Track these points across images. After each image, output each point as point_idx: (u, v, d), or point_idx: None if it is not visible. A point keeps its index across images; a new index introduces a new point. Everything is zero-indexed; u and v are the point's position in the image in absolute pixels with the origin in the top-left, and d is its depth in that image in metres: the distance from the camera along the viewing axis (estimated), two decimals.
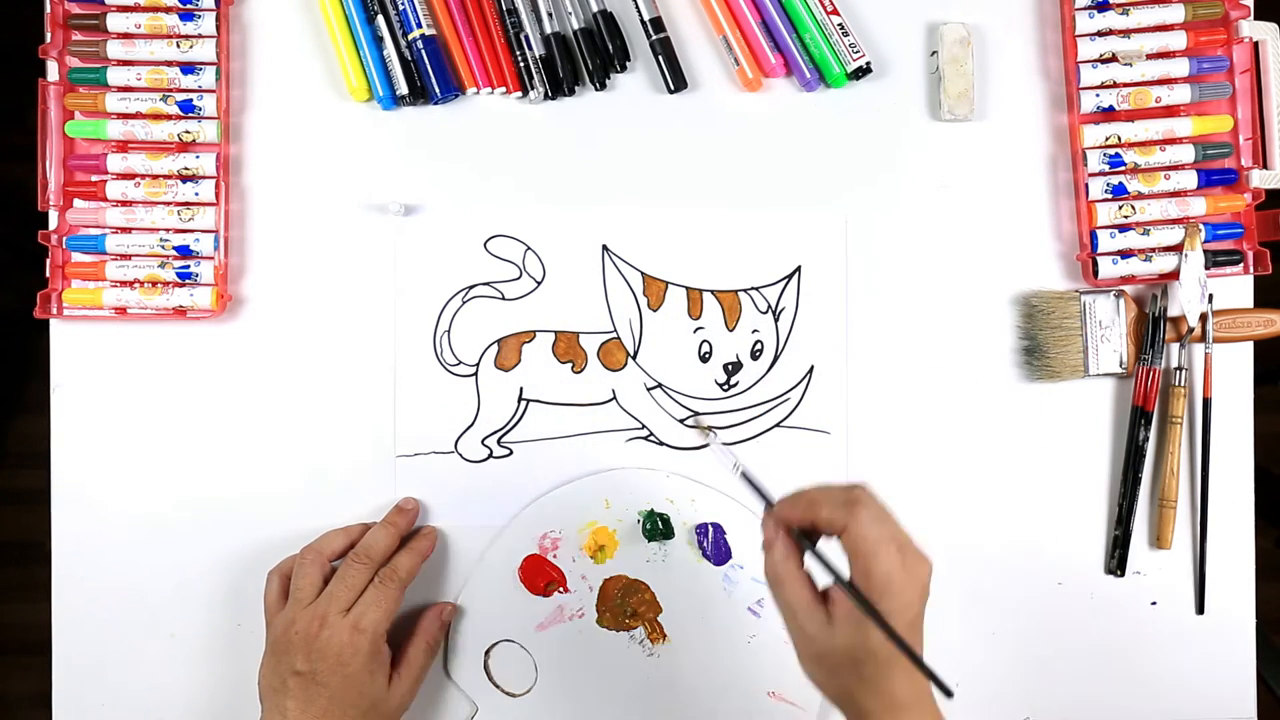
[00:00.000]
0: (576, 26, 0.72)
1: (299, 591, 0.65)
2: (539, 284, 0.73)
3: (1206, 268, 0.71)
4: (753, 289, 0.73)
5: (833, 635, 0.51)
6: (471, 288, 0.72)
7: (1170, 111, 0.72)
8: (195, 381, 0.71)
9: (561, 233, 0.73)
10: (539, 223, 0.73)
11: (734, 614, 0.71)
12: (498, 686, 0.71)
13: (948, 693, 0.48)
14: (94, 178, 0.70)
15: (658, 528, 0.71)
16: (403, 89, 0.71)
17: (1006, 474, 0.73)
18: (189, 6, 0.70)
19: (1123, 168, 0.71)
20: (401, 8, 0.70)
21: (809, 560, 0.54)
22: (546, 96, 0.72)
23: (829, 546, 0.54)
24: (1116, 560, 0.72)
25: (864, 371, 0.73)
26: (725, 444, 0.67)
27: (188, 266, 0.70)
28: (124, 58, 0.70)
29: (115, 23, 0.69)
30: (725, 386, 0.73)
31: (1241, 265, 0.72)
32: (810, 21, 0.71)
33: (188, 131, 0.70)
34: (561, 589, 0.71)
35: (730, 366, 0.72)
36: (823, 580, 0.54)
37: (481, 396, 0.72)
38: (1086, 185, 0.71)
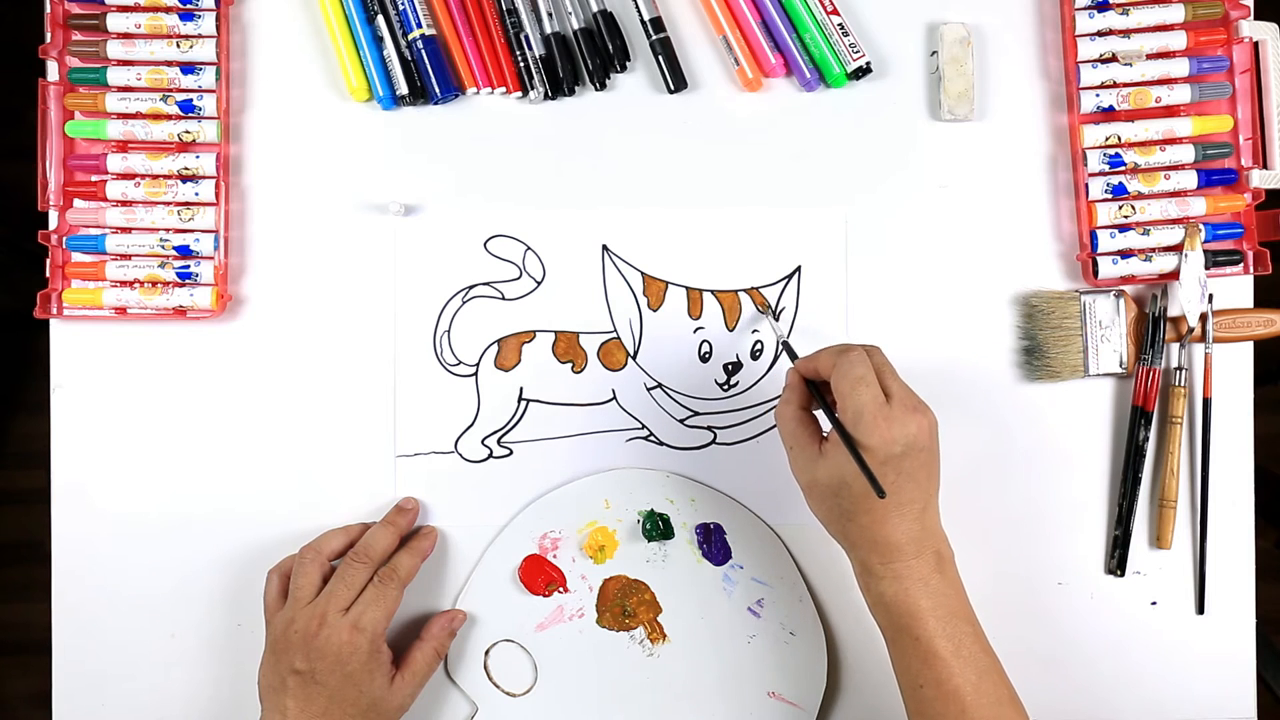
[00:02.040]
0: (576, 26, 0.72)
1: (298, 591, 0.66)
2: (539, 284, 0.73)
3: (1206, 268, 0.71)
4: (753, 289, 0.73)
5: (818, 468, 0.59)
6: (471, 288, 0.72)
7: (1170, 111, 0.72)
8: (195, 381, 0.71)
9: (561, 233, 0.73)
10: (539, 223, 0.73)
11: (734, 614, 0.71)
12: (498, 686, 0.71)
13: (880, 492, 0.55)
14: (94, 178, 0.70)
15: (658, 528, 0.71)
16: (403, 89, 0.71)
17: (1006, 474, 0.73)
18: (189, 6, 0.70)
19: (1123, 168, 0.71)
20: (401, 8, 0.70)
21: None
22: (546, 96, 0.72)
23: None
24: (1116, 560, 0.72)
25: None
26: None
27: (188, 266, 0.70)
28: (124, 58, 0.70)
29: (115, 23, 0.69)
30: (725, 386, 0.73)
31: (1241, 265, 0.72)
32: (810, 21, 0.71)
33: (188, 131, 0.70)
34: (561, 589, 0.71)
35: (730, 366, 0.72)
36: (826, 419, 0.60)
37: (481, 396, 0.72)
38: (1086, 185, 0.71)
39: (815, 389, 0.61)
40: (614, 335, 0.73)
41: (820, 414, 0.62)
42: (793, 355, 0.65)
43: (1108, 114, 0.72)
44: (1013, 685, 0.60)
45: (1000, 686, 0.59)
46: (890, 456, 0.56)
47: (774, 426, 0.72)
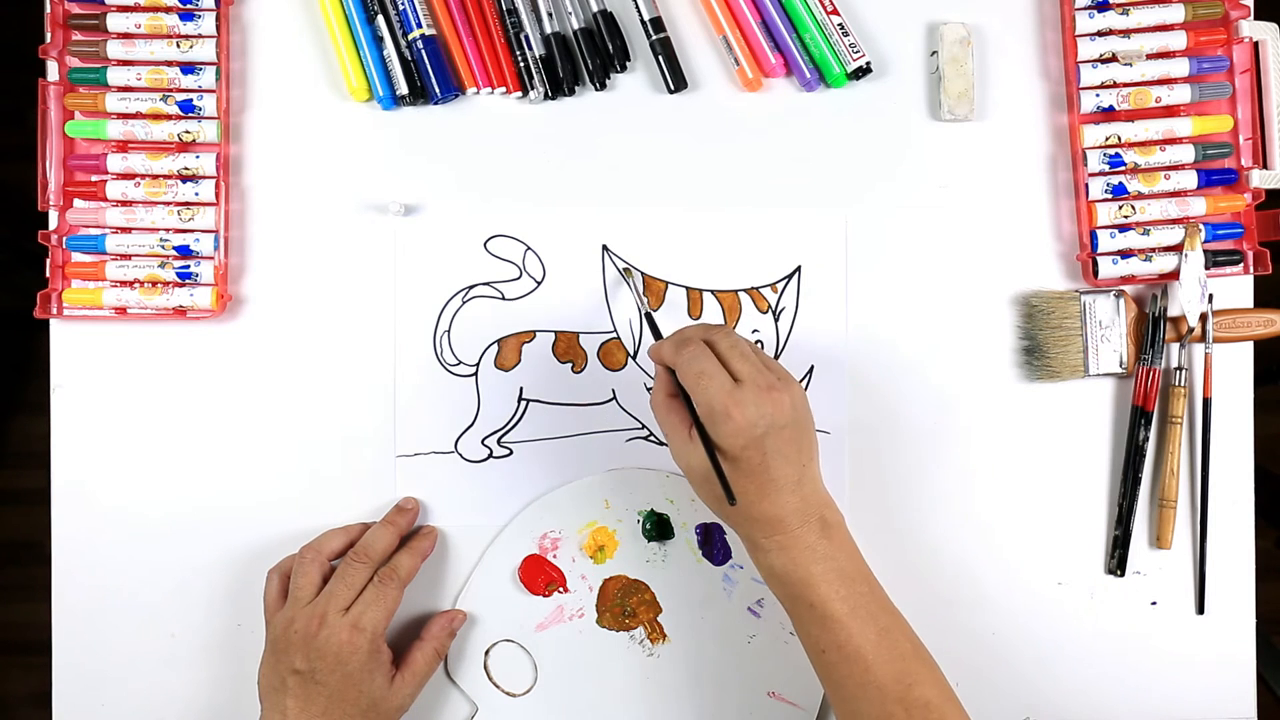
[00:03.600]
0: (576, 26, 0.72)
1: (298, 590, 0.66)
2: (539, 284, 0.73)
3: (1206, 268, 0.71)
4: (753, 289, 0.73)
5: (691, 454, 0.59)
6: (471, 288, 0.72)
7: (1170, 111, 0.72)
8: (195, 381, 0.71)
9: (561, 233, 0.73)
10: (539, 223, 0.73)
11: (734, 614, 0.71)
12: (498, 686, 0.71)
13: (731, 499, 0.57)
14: (94, 178, 0.70)
15: (658, 528, 0.71)
16: (403, 89, 0.71)
17: (1006, 474, 0.73)
18: (189, 6, 0.70)
19: (1123, 168, 0.71)
20: (401, 8, 0.70)
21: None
22: (546, 96, 0.72)
23: None
24: (1116, 560, 0.72)
25: (864, 371, 0.73)
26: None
27: (188, 266, 0.70)
28: (124, 58, 0.70)
29: (115, 23, 0.69)
30: None
31: (1241, 265, 0.72)
32: (810, 21, 0.71)
33: (188, 131, 0.70)
34: (561, 589, 0.71)
35: None
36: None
37: (481, 396, 0.72)
38: (1086, 185, 0.71)
39: (674, 375, 0.61)
40: (614, 335, 0.73)
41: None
42: (655, 331, 0.66)
43: (1108, 114, 0.72)
44: (919, 639, 0.60)
45: (903, 641, 0.59)
46: (752, 439, 0.56)
47: None
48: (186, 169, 0.70)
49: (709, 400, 0.57)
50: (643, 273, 0.73)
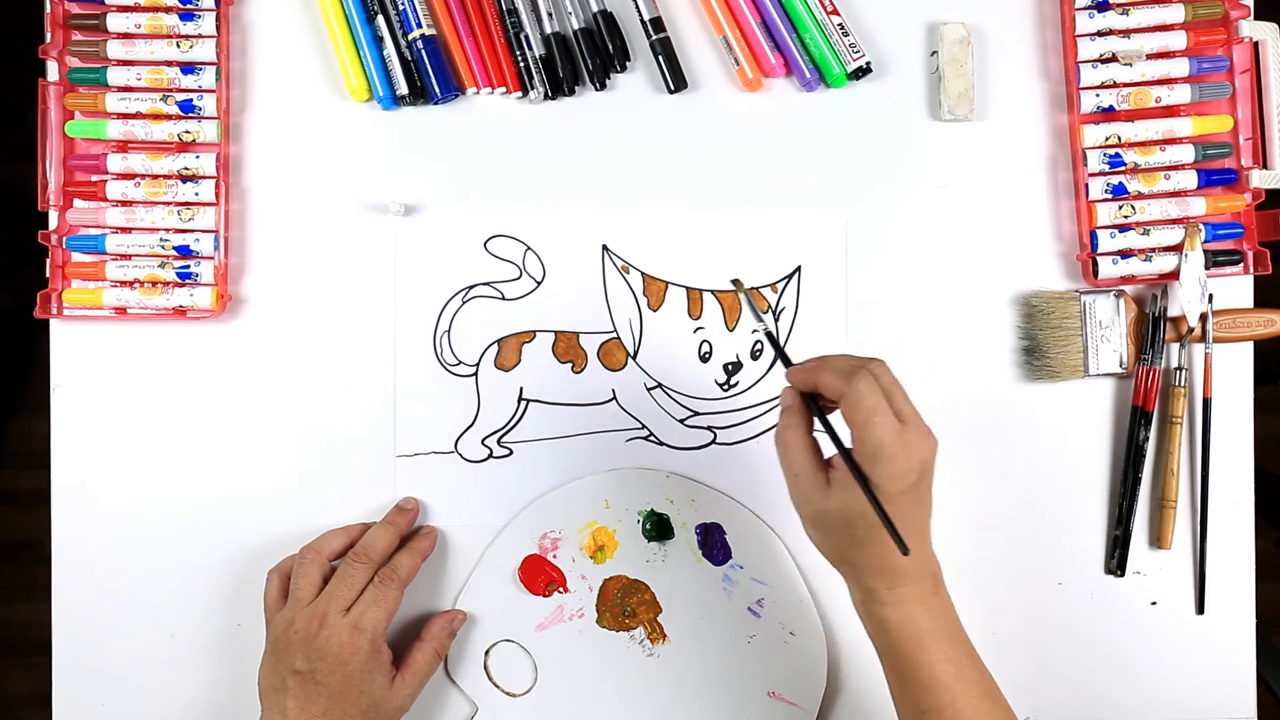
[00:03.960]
0: (576, 26, 0.72)
1: (299, 591, 0.66)
2: (539, 284, 0.73)
3: (1206, 268, 0.71)
4: (753, 289, 0.73)
5: (828, 498, 0.55)
6: (471, 288, 0.72)
7: (1170, 111, 0.72)
8: (195, 381, 0.71)
9: (561, 233, 0.73)
10: (539, 223, 0.73)
11: (734, 614, 0.71)
12: (498, 686, 0.71)
13: (904, 549, 0.52)
14: (94, 178, 0.70)
15: (658, 528, 0.71)
16: (403, 89, 0.71)
17: (1006, 474, 0.73)
18: (189, 6, 0.70)
19: (1123, 168, 0.71)
20: (401, 8, 0.70)
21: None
22: (546, 96, 0.72)
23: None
24: (1116, 560, 0.72)
25: None
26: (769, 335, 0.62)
27: (188, 266, 0.70)
28: (124, 58, 0.70)
29: (115, 23, 0.69)
30: (725, 386, 0.73)
31: (1241, 265, 0.72)
32: (810, 21, 0.71)
33: (188, 131, 0.70)
34: (561, 589, 0.71)
35: (730, 366, 0.72)
36: (831, 450, 0.56)
37: (481, 396, 0.72)
38: (1086, 185, 0.71)
39: (816, 407, 0.57)
40: (614, 335, 0.73)
41: (822, 435, 0.58)
42: (785, 359, 0.59)
43: (1108, 114, 0.72)
44: (1008, 703, 0.59)
45: (1000, 708, 0.58)
46: (910, 485, 0.53)
47: (774, 426, 0.72)
48: (186, 169, 0.70)
49: (879, 440, 0.52)
50: (643, 273, 0.73)
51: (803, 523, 0.58)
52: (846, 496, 0.54)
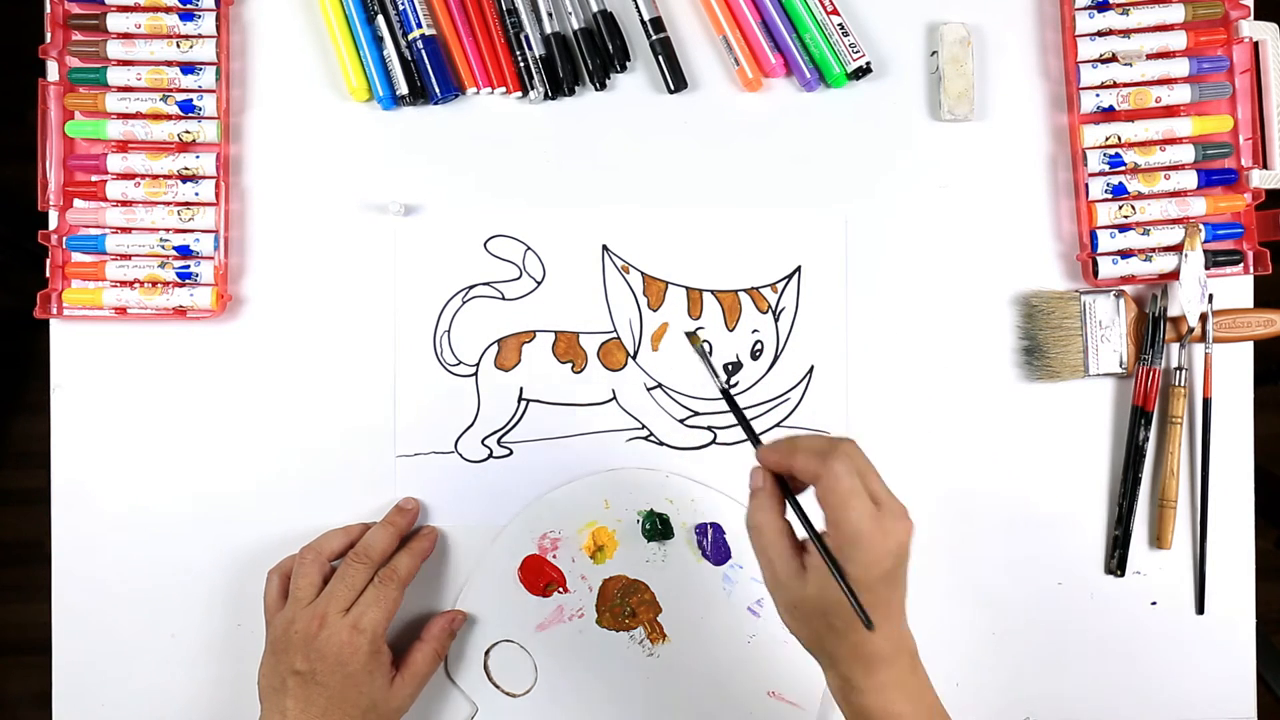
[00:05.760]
0: (576, 26, 0.72)
1: (299, 591, 0.66)
2: (539, 284, 0.73)
3: (1206, 268, 0.71)
4: (753, 289, 0.73)
5: (804, 585, 0.53)
6: (471, 288, 0.72)
7: (1170, 111, 0.72)
8: (195, 381, 0.71)
9: (561, 233, 0.73)
10: (539, 223, 0.73)
11: (734, 614, 0.71)
12: (498, 686, 0.71)
13: (869, 625, 0.50)
14: (94, 178, 0.70)
15: (657, 528, 0.71)
16: (403, 89, 0.71)
17: (1006, 474, 0.73)
18: (189, 6, 0.70)
19: (1123, 168, 0.71)
20: (401, 8, 0.70)
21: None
22: (546, 96, 0.72)
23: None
24: (1116, 560, 0.72)
25: (864, 371, 0.73)
26: (728, 395, 0.61)
27: (188, 266, 0.70)
28: (124, 58, 0.70)
29: (115, 23, 0.69)
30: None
31: (1241, 265, 0.72)
32: (810, 21, 0.71)
33: (188, 131, 0.70)
34: (561, 589, 0.71)
35: (730, 366, 0.72)
36: (804, 530, 0.55)
37: (481, 396, 0.72)
38: (1086, 185, 0.71)
39: (787, 489, 0.55)
40: (614, 335, 0.73)
41: (794, 519, 0.56)
42: (754, 438, 0.57)
43: (1108, 114, 0.72)
44: None
45: None
46: (885, 571, 0.51)
47: (775, 426, 0.73)
48: (186, 169, 0.70)
49: (857, 526, 0.51)
50: (643, 273, 0.73)
51: (778, 609, 0.56)
52: (823, 583, 0.52)
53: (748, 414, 0.72)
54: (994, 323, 0.73)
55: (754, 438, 0.57)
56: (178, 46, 0.70)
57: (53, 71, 0.71)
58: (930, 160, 0.73)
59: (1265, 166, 0.72)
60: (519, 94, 0.72)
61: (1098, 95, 0.71)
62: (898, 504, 0.52)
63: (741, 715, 0.71)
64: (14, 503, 1.48)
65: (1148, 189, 0.71)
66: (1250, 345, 0.74)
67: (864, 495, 0.51)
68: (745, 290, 0.73)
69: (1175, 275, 0.71)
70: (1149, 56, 0.71)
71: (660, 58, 0.72)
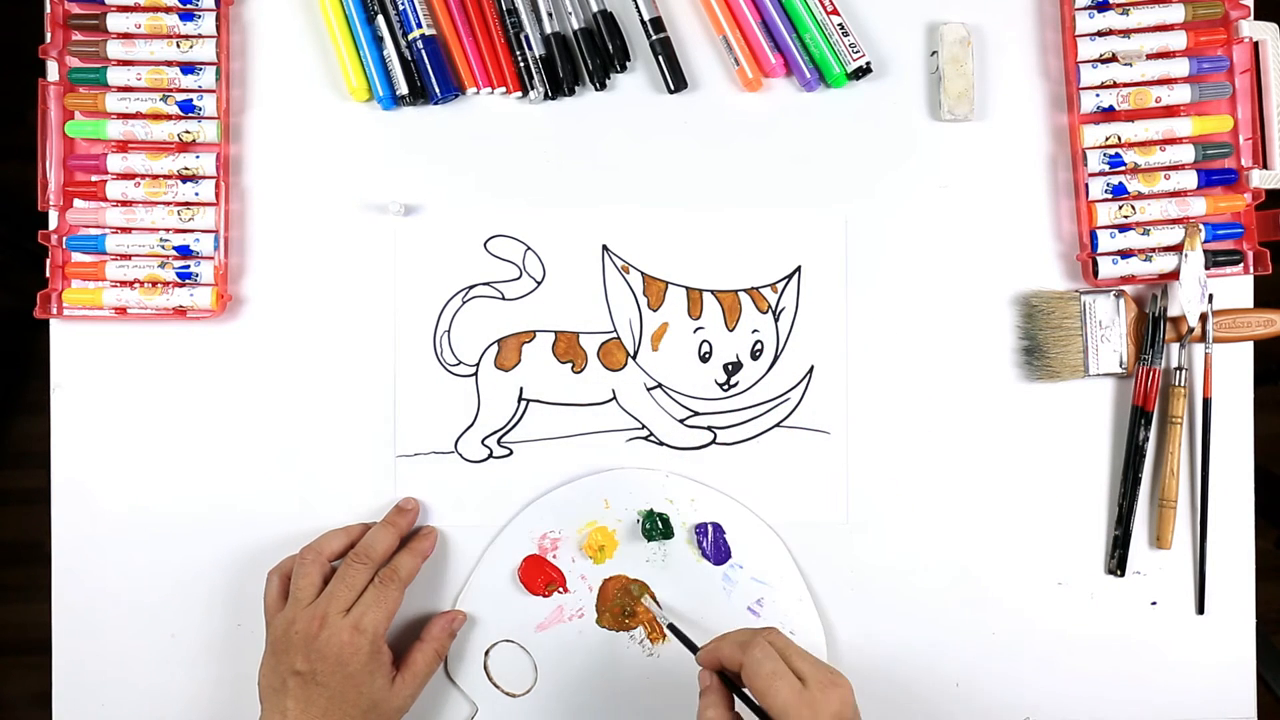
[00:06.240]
0: (576, 26, 0.72)
1: (299, 591, 0.66)
2: (539, 284, 0.73)
3: (1206, 268, 0.71)
4: (753, 289, 0.73)
5: None
6: (471, 288, 0.72)
7: (1170, 111, 0.72)
8: (195, 381, 0.71)
9: (561, 233, 0.73)
10: (539, 223, 0.73)
11: (734, 614, 0.71)
12: (498, 686, 0.71)
13: None
14: (94, 178, 0.70)
15: (657, 528, 0.71)
16: (403, 89, 0.71)
17: (1006, 474, 0.73)
18: (189, 6, 0.70)
19: (1123, 168, 0.71)
20: (401, 8, 0.70)
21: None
22: (546, 96, 0.72)
23: None
24: (1116, 560, 0.72)
25: (864, 371, 0.73)
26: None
27: (188, 266, 0.70)
28: (124, 58, 0.70)
29: (115, 23, 0.69)
30: (725, 386, 0.73)
31: (1241, 265, 0.72)
32: (810, 21, 0.71)
33: (188, 131, 0.70)
34: (561, 589, 0.71)
35: (730, 366, 0.72)
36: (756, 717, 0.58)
37: (481, 396, 0.72)
38: (1086, 185, 0.71)
39: (730, 683, 0.60)
40: (614, 335, 0.73)
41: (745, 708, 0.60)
42: (690, 645, 0.64)
43: (1108, 114, 0.72)
44: None
45: None
46: None
47: (774, 427, 0.73)
48: (186, 169, 0.70)
49: (783, 702, 0.55)
50: (643, 273, 0.73)
51: None
52: None
53: (749, 413, 0.73)
54: (994, 323, 0.73)
55: (690, 646, 0.64)
56: (178, 46, 0.70)
57: (53, 71, 0.71)
58: (930, 160, 0.73)
59: (1265, 166, 0.72)
60: (519, 94, 0.72)
61: (1098, 95, 0.71)
62: (826, 674, 0.56)
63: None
64: (14, 503, 1.48)
65: (1148, 189, 0.71)
66: (1250, 345, 0.74)
67: (787, 675, 0.55)
68: (745, 290, 0.73)
69: (1175, 275, 0.71)
70: (1149, 56, 0.71)
71: (660, 58, 0.72)
